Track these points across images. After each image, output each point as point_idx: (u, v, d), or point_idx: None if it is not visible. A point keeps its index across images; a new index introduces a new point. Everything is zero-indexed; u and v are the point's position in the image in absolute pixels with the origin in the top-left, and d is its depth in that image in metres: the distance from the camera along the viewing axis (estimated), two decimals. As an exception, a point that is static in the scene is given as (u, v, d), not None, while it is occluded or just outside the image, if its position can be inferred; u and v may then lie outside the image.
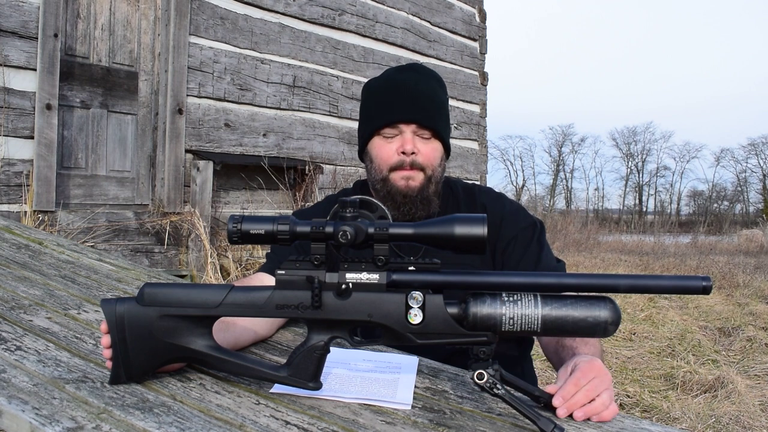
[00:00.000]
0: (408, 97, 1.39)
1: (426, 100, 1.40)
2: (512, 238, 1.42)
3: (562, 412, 0.94)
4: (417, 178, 1.40)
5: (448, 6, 6.63)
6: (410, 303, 0.92)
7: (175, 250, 4.34)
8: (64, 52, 3.93)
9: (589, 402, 0.95)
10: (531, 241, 1.42)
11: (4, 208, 3.54)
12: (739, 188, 40.49)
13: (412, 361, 1.18)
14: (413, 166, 1.39)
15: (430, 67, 1.52)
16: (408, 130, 1.39)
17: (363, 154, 1.48)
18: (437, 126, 1.41)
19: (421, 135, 1.40)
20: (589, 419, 0.95)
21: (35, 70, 3.64)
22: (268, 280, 1.34)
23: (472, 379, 0.91)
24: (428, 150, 1.41)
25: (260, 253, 4.74)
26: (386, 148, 1.41)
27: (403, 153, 1.39)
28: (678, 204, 41.66)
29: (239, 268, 4.45)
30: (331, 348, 0.98)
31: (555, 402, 0.94)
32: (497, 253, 1.42)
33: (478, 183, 1.57)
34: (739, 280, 7.61)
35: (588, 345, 1.15)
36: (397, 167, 1.40)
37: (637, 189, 42.11)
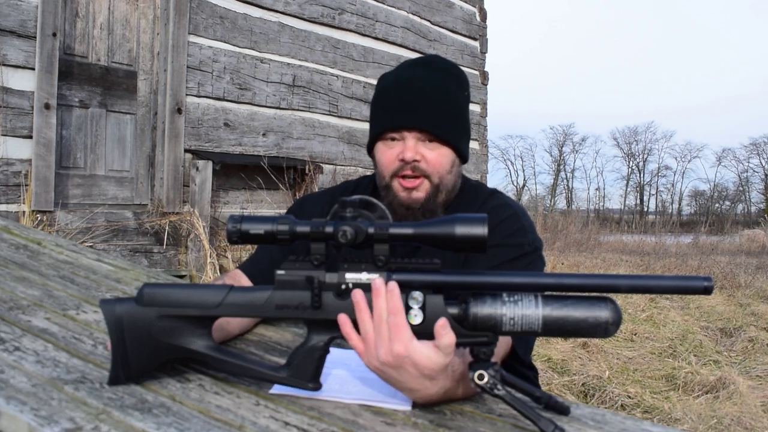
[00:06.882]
0: (413, 99, 1.28)
1: (433, 103, 1.27)
2: (489, 246, 1.28)
3: None
4: (422, 189, 1.29)
5: (448, 5, 6.63)
6: (410, 303, 0.91)
7: (174, 251, 4.33)
8: (63, 52, 3.92)
9: None
10: (504, 257, 1.26)
11: (3, 208, 3.54)
12: (741, 188, 40.56)
13: (413, 361, 1.17)
14: (415, 170, 1.29)
15: None
16: (410, 136, 1.28)
17: (371, 153, 1.40)
18: (444, 132, 1.29)
19: (426, 141, 1.29)
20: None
21: (33, 69, 3.63)
22: (245, 280, 1.33)
23: (473, 379, 0.90)
24: (434, 156, 1.29)
25: (260, 253, 4.73)
26: (388, 154, 1.31)
27: (403, 161, 1.29)
28: (679, 204, 41.75)
29: (239, 268, 4.44)
30: (331, 348, 0.98)
31: None
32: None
33: (499, 189, 1.46)
34: (741, 281, 7.60)
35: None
36: (399, 173, 1.30)
37: (638, 189, 42.16)
